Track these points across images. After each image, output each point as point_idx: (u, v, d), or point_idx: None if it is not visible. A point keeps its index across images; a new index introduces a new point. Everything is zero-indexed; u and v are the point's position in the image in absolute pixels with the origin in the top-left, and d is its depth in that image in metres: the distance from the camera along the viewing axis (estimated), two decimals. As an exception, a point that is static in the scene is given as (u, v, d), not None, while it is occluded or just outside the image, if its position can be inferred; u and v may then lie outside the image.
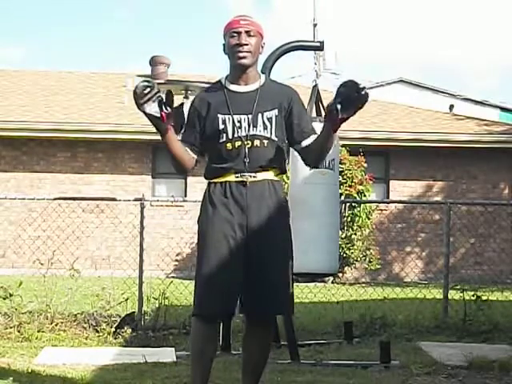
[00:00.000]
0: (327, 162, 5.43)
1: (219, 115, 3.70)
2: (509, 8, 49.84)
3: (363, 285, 12.43)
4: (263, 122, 3.71)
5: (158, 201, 13.57)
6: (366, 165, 14.32)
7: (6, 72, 19.14)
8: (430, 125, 16.38)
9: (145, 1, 64.81)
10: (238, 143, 3.69)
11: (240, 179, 3.69)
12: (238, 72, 3.76)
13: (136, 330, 6.60)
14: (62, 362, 5.34)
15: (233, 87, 3.77)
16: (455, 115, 18.65)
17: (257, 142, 3.69)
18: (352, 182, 13.93)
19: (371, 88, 26.68)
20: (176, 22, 65.23)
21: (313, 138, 3.73)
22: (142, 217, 7.24)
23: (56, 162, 15.47)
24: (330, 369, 5.31)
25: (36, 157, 15.46)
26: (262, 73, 3.93)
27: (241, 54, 3.69)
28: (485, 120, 17.76)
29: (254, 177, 3.69)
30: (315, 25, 6.18)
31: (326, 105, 3.49)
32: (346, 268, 14.25)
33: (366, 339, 6.62)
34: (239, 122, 3.69)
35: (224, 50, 3.81)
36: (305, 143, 3.75)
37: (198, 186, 14.39)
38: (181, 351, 5.80)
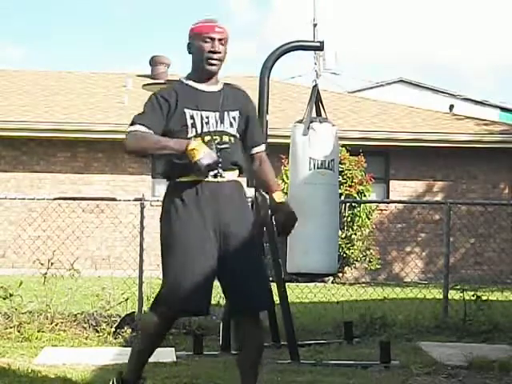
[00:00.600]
0: (327, 162, 5.42)
1: (186, 110, 3.74)
2: (509, 8, 49.84)
3: (363, 285, 12.40)
4: (229, 120, 3.80)
5: (157, 201, 13.40)
6: (365, 165, 14.31)
7: (6, 72, 19.12)
8: (430, 125, 16.36)
9: (145, 0, 64.82)
10: (207, 138, 3.73)
11: (211, 179, 3.70)
12: (204, 75, 3.83)
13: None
14: (62, 362, 5.34)
15: (198, 86, 3.83)
16: (455, 115, 18.63)
17: (225, 138, 3.75)
18: (352, 181, 13.91)
19: (371, 88, 26.70)
20: (176, 22, 65.21)
21: (261, 148, 3.92)
22: (142, 217, 7.25)
23: (56, 162, 15.46)
24: (329, 369, 5.31)
25: (36, 157, 15.45)
26: (260, 73, 3.96)
27: (213, 62, 3.77)
28: (485, 120, 17.73)
29: (223, 176, 3.73)
30: (315, 25, 6.18)
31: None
32: (346, 268, 14.24)
33: (366, 339, 6.62)
34: (207, 117, 3.75)
35: (190, 49, 3.85)
36: (254, 150, 3.91)
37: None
38: (181, 351, 5.80)
